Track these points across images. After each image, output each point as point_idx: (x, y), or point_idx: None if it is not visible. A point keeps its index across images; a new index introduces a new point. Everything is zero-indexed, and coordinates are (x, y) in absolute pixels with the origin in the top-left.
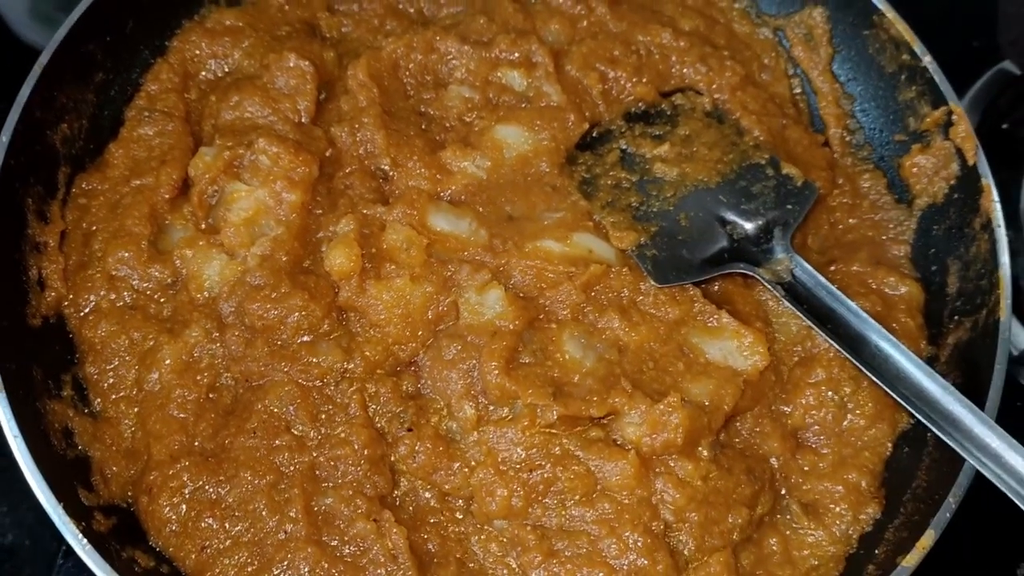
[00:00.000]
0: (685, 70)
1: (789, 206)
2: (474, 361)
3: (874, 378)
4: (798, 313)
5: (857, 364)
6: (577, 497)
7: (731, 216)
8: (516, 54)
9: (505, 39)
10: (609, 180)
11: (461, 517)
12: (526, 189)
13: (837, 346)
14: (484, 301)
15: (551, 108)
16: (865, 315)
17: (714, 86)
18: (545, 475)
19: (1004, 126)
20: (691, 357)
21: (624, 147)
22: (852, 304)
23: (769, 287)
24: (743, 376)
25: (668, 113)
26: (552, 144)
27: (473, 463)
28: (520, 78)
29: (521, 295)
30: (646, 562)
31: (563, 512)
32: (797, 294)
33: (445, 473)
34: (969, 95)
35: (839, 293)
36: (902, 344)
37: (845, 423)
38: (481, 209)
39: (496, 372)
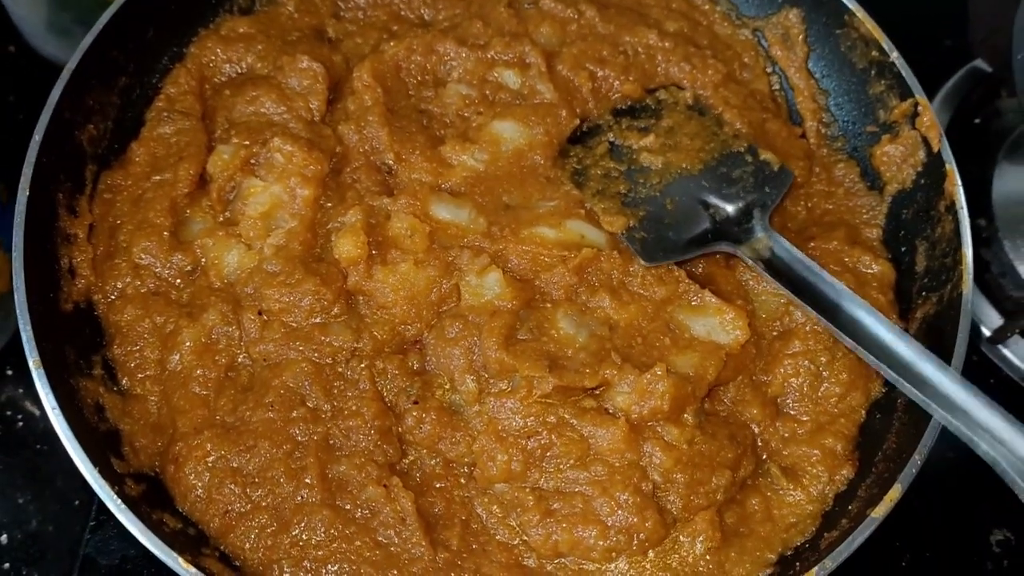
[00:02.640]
0: (671, 68)
1: (767, 189)
2: (475, 338)
3: (849, 342)
4: (778, 285)
5: (833, 329)
6: (571, 461)
7: (713, 200)
8: (511, 55)
9: (500, 41)
10: (599, 170)
11: (464, 482)
12: (522, 180)
13: (815, 313)
14: (484, 283)
15: (544, 105)
16: (840, 284)
17: (697, 83)
18: (542, 441)
19: (976, 121)
20: (677, 333)
21: (612, 139)
22: (827, 275)
23: (750, 263)
24: (725, 350)
25: (653, 107)
26: (545, 138)
27: (475, 432)
28: (515, 77)
29: (518, 278)
30: (636, 520)
31: (559, 475)
32: (776, 269)
33: (449, 442)
34: (942, 92)
35: (815, 265)
36: (874, 309)
37: (821, 391)
38: (480, 199)
39: (496, 348)
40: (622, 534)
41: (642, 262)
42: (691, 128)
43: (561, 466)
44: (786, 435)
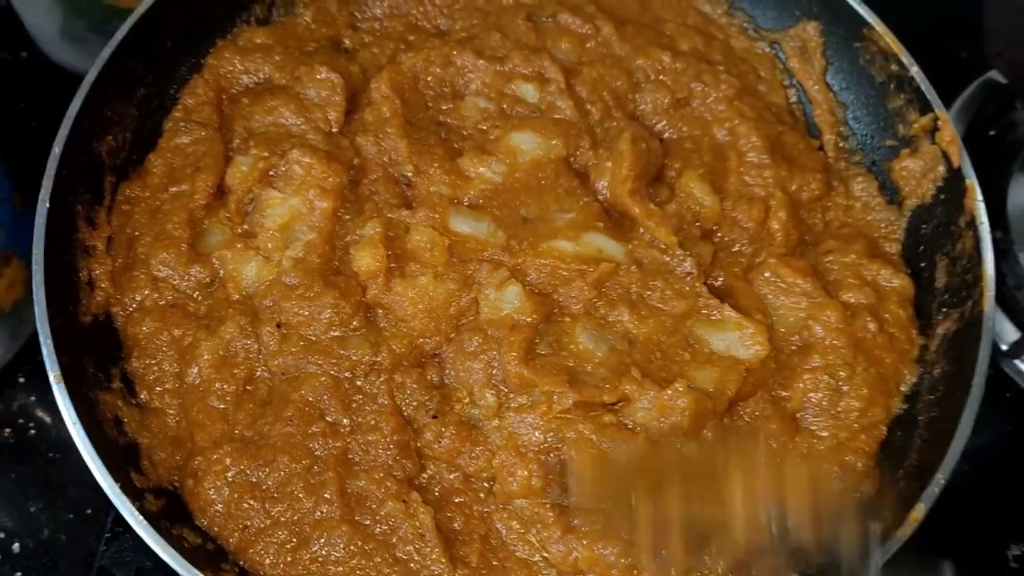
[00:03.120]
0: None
1: None
2: (494, 352)
3: None
4: None
5: None
6: None
7: None
8: (529, 69)
9: (519, 55)
10: None
11: (484, 497)
12: (539, 192)
13: None
14: (503, 297)
15: (564, 121)
16: None
17: (710, 100)
18: (562, 457)
19: (991, 133)
20: (696, 348)
21: None
22: None
23: None
24: (745, 364)
25: None
26: (564, 151)
27: (494, 446)
28: (533, 91)
29: (537, 291)
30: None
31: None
32: None
33: (468, 456)
34: (957, 103)
35: None
36: None
37: (841, 406)
38: (498, 212)
39: (516, 363)
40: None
41: None
42: None
43: None
44: (805, 450)
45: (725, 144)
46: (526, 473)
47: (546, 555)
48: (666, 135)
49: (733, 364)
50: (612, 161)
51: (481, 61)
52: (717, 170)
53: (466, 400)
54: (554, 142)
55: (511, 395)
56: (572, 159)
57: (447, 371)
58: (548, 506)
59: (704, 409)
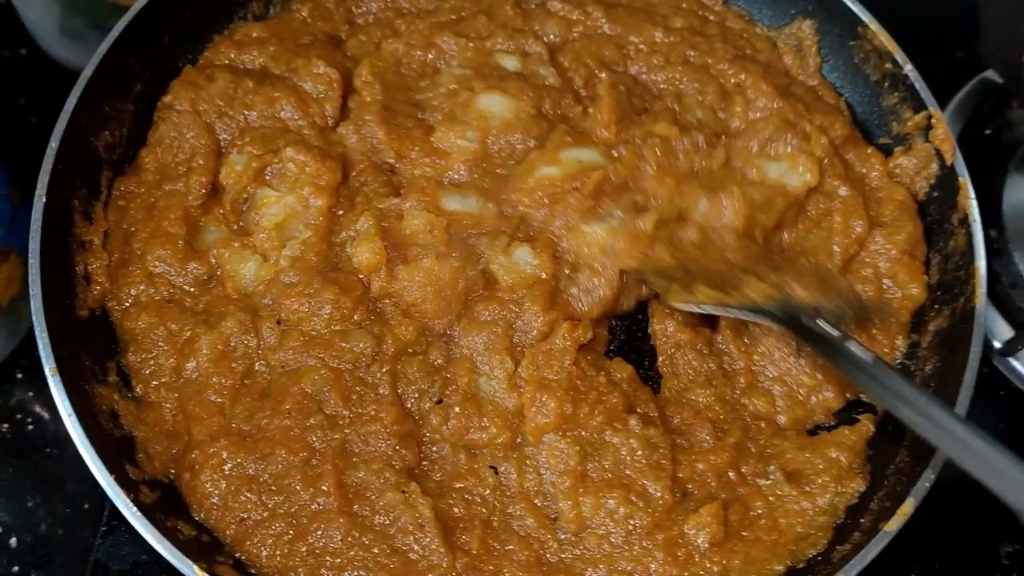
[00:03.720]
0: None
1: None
2: (513, 314)
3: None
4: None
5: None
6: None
7: None
8: (511, 45)
9: (502, 32)
10: None
11: (489, 479)
12: (512, 151)
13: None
14: (515, 259)
15: (544, 87)
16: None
17: (708, 65)
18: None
19: (987, 132)
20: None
21: None
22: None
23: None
24: (793, 194)
25: None
26: (532, 108)
27: (503, 411)
28: (515, 61)
29: (544, 245)
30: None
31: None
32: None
33: (476, 429)
34: (953, 103)
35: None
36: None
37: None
38: (483, 184)
39: (542, 312)
40: (641, 499)
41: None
42: None
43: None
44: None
45: (732, 90)
46: (555, 403)
47: (555, 508)
48: (662, 86)
49: (782, 190)
50: (593, 107)
51: (463, 40)
52: (723, 109)
53: (475, 372)
54: (523, 102)
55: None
56: (547, 113)
57: (456, 346)
58: (573, 440)
59: (754, 215)
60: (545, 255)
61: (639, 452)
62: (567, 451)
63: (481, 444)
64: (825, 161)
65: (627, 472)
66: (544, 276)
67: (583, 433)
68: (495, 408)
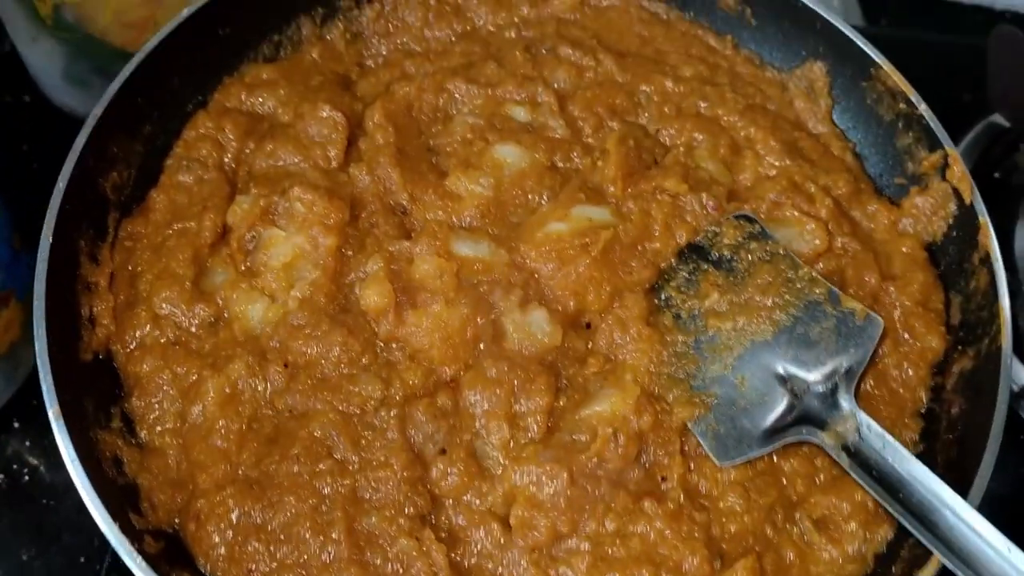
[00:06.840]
0: (687, 108)
1: (852, 349)
2: (518, 381)
3: (945, 559)
4: (864, 486)
5: (926, 542)
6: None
7: (791, 370)
8: (522, 94)
9: (512, 80)
10: (668, 348)
11: (496, 535)
12: (525, 200)
13: (907, 523)
14: (530, 321)
15: (555, 139)
16: (947, 490)
17: (719, 112)
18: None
19: (996, 175)
20: None
21: (678, 311)
22: (929, 474)
23: (833, 456)
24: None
25: (716, 254)
26: (547, 161)
27: (504, 481)
28: (525, 112)
29: (560, 309)
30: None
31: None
32: (864, 459)
33: (478, 492)
34: (961, 146)
35: (913, 460)
36: (987, 523)
37: None
38: (493, 230)
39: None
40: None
41: (716, 462)
42: (762, 276)
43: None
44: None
45: (742, 143)
46: (548, 522)
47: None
48: (673, 138)
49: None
50: (601, 161)
51: (473, 86)
52: (732, 164)
53: (476, 429)
54: (537, 154)
55: (529, 431)
56: (559, 165)
57: (463, 397)
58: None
59: None
60: (557, 323)
61: (667, 531)
62: (577, 549)
63: (481, 510)
64: (830, 225)
65: (659, 551)
66: (554, 345)
67: (595, 537)
68: (492, 477)
